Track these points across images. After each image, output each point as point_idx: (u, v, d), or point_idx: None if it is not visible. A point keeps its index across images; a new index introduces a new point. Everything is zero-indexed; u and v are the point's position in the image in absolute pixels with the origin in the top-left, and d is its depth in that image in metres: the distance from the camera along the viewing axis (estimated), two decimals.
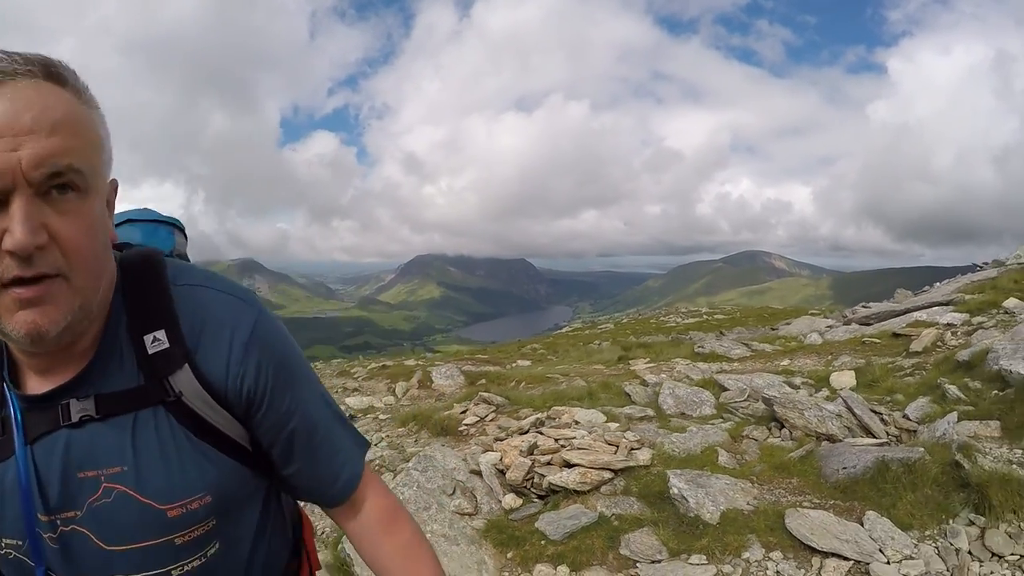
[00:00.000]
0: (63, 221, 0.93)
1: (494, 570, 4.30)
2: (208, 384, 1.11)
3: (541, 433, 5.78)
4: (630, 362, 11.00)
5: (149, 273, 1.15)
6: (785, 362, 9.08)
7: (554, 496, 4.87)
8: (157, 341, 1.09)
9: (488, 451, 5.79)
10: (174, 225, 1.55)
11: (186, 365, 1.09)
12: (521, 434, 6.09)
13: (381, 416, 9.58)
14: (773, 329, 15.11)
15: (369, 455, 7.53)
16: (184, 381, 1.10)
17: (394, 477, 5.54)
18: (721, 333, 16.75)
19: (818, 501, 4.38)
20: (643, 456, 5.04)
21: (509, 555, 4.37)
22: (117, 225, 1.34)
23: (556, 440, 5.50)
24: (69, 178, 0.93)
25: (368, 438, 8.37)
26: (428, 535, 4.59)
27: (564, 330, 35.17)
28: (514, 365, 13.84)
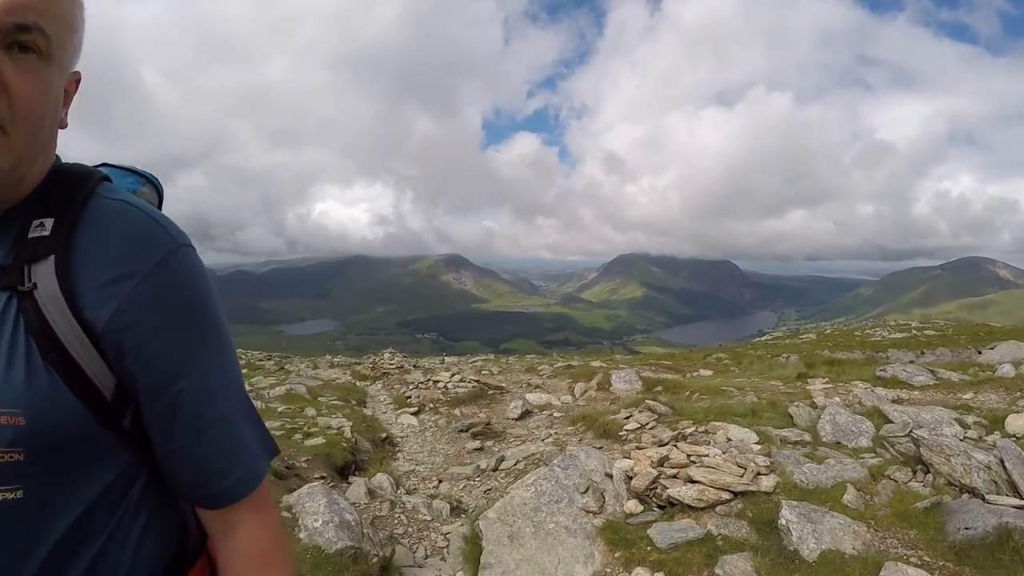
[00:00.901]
0: (18, 76, 0.92)
1: (600, 565, 4.78)
2: (71, 292, 0.99)
3: (677, 447, 6.10)
4: (808, 380, 10.68)
5: (78, 176, 1.09)
6: (968, 395, 8.42)
7: (671, 508, 5.20)
8: (41, 227, 1.01)
9: (625, 458, 6.21)
10: (147, 178, 1.42)
11: (52, 258, 0.99)
12: (660, 446, 6.46)
13: (555, 414, 10.25)
14: (979, 352, 13.75)
15: (533, 449, 8.26)
16: (44, 274, 0.98)
17: (537, 469, 6.17)
18: (921, 353, 15.53)
19: (927, 559, 4.19)
20: (767, 482, 5.20)
21: (616, 554, 4.81)
22: (95, 167, 1.19)
23: (688, 456, 5.80)
24: (34, 38, 0.93)
25: (537, 434, 9.06)
26: (552, 525, 5.19)
27: (764, 338, 33.62)
28: (695, 374, 13.87)
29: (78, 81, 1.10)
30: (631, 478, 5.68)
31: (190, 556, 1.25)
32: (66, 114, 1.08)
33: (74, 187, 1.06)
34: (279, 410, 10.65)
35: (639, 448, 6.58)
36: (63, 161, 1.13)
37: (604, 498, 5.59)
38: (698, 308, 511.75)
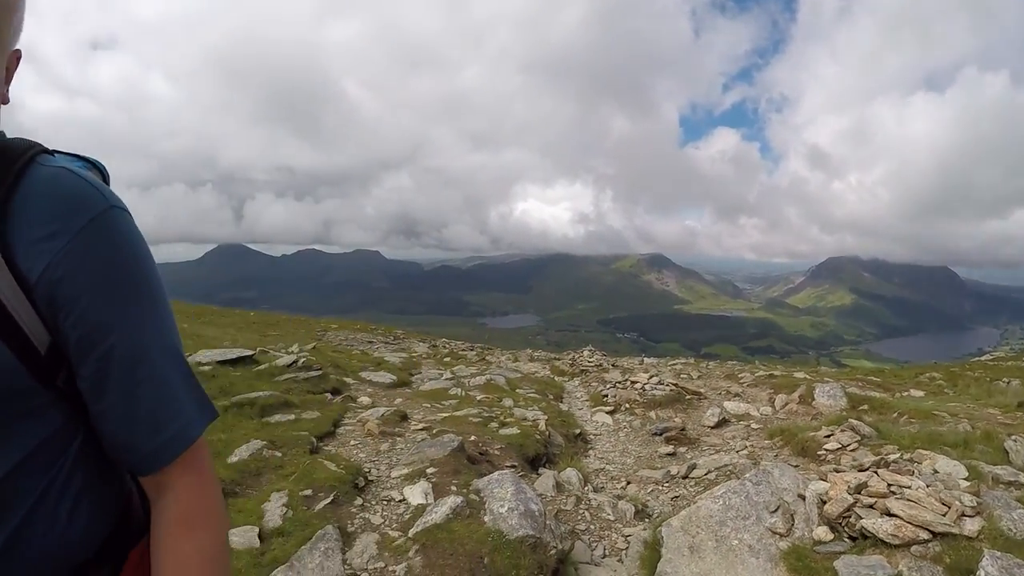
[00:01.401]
0: None
1: None
2: (6, 245, 1.03)
3: (877, 474, 5.76)
4: None
5: (19, 148, 1.11)
6: None
7: (863, 541, 4.93)
8: None
9: (821, 480, 5.96)
10: (92, 163, 1.38)
11: None
12: (860, 470, 6.12)
13: (753, 425, 9.97)
14: None
15: (726, 459, 8.09)
16: None
17: (728, 481, 6.11)
18: None
19: None
20: (971, 526, 4.78)
21: None
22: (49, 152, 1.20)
23: (888, 485, 5.45)
24: None
25: (732, 444, 8.90)
26: (735, 542, 5.14)
27: (984, 358, 29.74)
28: (904, 394, 12.80)
29: (19, 59, 1.13)
30: (824, 502, 5.45)
31: (133, 533, 1.24)
32: (8, 91, 1.11)
33: (14, 157, 1.08)
34: (478, 398, 11.23)
35: (837, 471, 6.28)
36: (8, 137, 1.15)
37: (793, 520, 5.41)
38: (912, 320, 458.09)
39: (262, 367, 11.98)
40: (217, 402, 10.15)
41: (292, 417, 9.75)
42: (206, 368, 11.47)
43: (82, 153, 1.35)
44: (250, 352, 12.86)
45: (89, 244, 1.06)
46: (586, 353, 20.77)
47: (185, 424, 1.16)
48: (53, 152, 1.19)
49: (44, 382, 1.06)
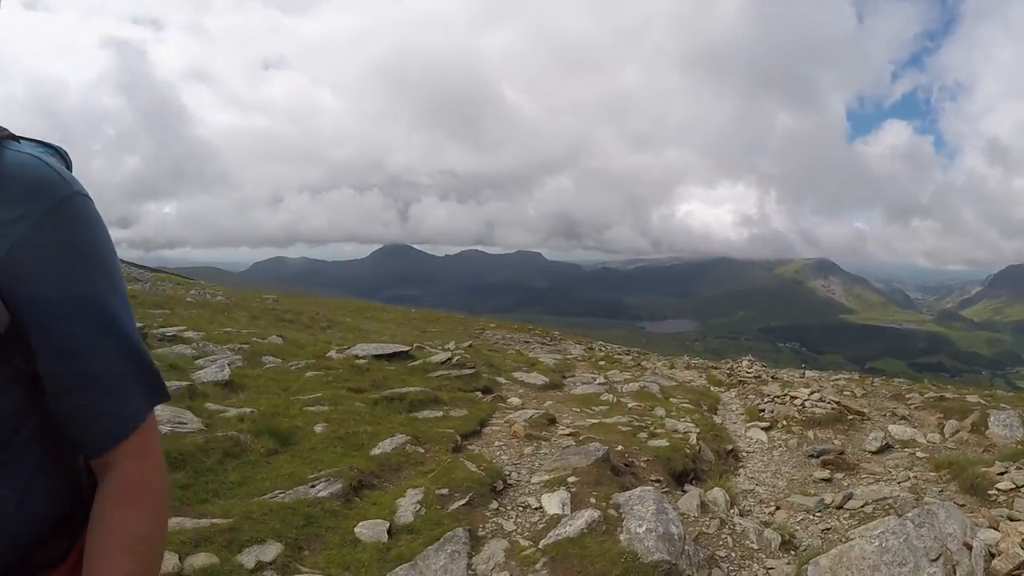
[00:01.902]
0: None
1: None
2: None
3: None
4: None
5: None
6: None
7: None
8: None
9: (992, 528, 5.13)
10: (55, 149, 1.34)
11: None
12: None
13: (919, 454, 8.93)
14: None
15: (886, 491, 7.20)
16: None
17: (886, 517, 5.41)
18: None
19: None
20: None
21: None
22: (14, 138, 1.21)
23: None
24: None
25: (894, 474, 7.97)
26: None
27: None
28: None
29: None
30: (993, 555, 4.66)
31: (85, 516, 1.22)
32: None
33: None
34: (629, 406, 10.87)
35: (1011, 519, 5.40)
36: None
37: (955, 573, 4.67)
38: None
39: (416, 363, 12.26)
40: (367, 395, 10.47)
41: (440, 414, 9.85)
42: (361, 362, 11.89)
43: (47, 140, 1.35)
44: (406, 348, 13.21)
45: (52, 228, 1.09)
46: (745, 363, 19.77)
47: (134, 407, 1.19)
48: (19, 139, 1.20)
49: (2, 361, 1.08)
